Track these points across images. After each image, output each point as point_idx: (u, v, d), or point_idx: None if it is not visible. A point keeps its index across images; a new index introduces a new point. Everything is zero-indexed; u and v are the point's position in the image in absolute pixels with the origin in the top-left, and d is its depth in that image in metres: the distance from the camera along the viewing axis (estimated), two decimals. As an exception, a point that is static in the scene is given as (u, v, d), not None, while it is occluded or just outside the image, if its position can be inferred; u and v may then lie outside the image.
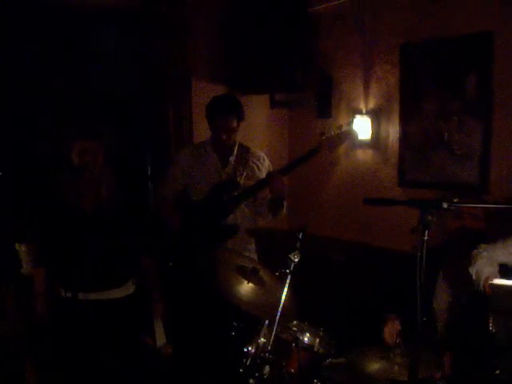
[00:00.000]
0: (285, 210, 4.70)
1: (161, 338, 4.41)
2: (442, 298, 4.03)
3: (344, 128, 4.44)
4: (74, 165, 3.98)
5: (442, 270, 4.15)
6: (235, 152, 4.71)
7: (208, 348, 4.41)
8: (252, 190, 4.61)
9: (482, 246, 3.44)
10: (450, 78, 4.90)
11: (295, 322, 3.85)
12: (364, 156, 5.53)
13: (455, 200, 2.86)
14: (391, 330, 3.95)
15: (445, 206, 2.62)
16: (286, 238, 3.46)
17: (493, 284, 2.29)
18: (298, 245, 3.38)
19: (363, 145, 5.46)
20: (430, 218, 2.61)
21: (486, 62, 4.66)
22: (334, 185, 5.81)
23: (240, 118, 4.59)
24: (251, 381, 3.37)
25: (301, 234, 3.39)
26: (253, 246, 4.81)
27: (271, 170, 4.80)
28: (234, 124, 4.56)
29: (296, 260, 3.38)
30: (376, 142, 5.43)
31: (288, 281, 3.36)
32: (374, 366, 3.58)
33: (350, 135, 4.49)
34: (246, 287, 3.85)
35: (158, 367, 4.49)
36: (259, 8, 5.40)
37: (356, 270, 5.23)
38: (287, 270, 3.37)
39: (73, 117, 4.94)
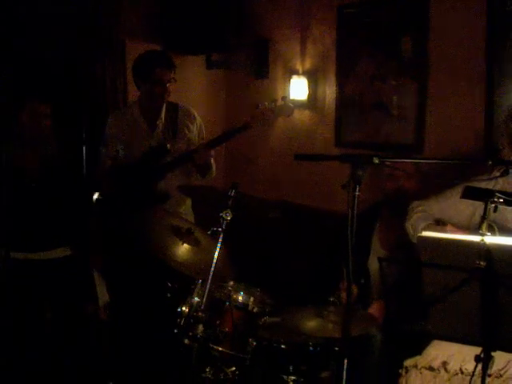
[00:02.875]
0: (214, 170, 4.64)
1: (103, 297, 4.37)
2: (374, 259, 4.07)
3: (279, 103, 4.38)
4: (23, 125, 3.94)
5: (376, 228, 4.19)
6: (163, 114, 4.62)
7: (143, 309, 4.37)
8: (181, 160, 4.54)
9: (416, 202, 3.46)
10: (386, 39, 4.89)
11: (232, 283, 3.83)
12: (301, 117, 5.50)
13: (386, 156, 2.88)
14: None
15: (376, 161, 2.60)
16: (219, 197, 3.42)
17: (421, 236, 2.28)
18: (229, 203, 3.35)
19: (300, 105, 5.43)
20: (360, 173, 2.58)
21: (422, 24, 4.65)
22: (272, 145, 5.79)
23: (175, 71, 4.51)
24: (186, 341, 3.34)
25: (232, 192, 3.35)
26: (188, 207, 4.75)
27: (202, 127, 4.74)
28: (172, 75, 4.48)
29: (228, 218, 3.35)
30: (313, 103, 5.41)
31: (220, 239, 3.33)
32: (309, 324, 3.59)
33: (284, 110, 4.43)
34: (181, 248, 3.83)
35: (97, 331, 4.47)
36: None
37: (293, 229, 5.25)
38: (219, 229, 3.34)
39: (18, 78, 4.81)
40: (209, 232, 3.53)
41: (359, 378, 3.60)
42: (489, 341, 2.33)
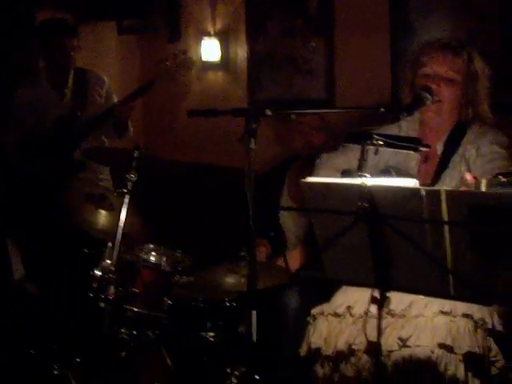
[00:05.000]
0: (131, 131, 4.64)
1: (18, 270, 4.34)
2: (282, 213, 4.14)
3: (180, 57, 4.40)
4: None
5: (286, 182, 4.24)
6: (70, 82, 4.57)
7: (63, 278, 4.36)
8: (95, 123, 4.51)
9: (324, 154, 3.50)
10: (293, -3, 4.91)
11: (151, 245, 3.85)
12: (214, 78, 5.51)
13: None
14: (259, 254, 4.01)
15: (268, 112, 2.62)
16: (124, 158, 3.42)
17: (304, 182, 2.31)
18: (134, 164, 3.35)
19: (213, 67, 5.44)
20: (254, 126, 2.60)
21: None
22: (187, 107, 5.77)
23: (75, 34, 4.45)
24: (102, 304, 3.36)
25: (136, 153, 3.36)
26: (107, 172, 4.73)
27: (112, 90, 4.71)
28: (74, 43, 4.43)
29: (133, 179, 3.35)
30: (225, 64, 5.41)
31: (127, 201, 3.33)
32: (223, 280, 3.65)
33: (186, 63, 4.45)
34: (96, 214, 3.83)
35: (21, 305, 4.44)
36: None
37: (207, 188, 5.29)
38: (125, 190, 3.34)
39: None
40: (115, 194, 3.53)
41: (273, 329, 3.69)
42: (382, 282, 2.39)
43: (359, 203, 2.18)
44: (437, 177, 3.02)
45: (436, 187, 2.93)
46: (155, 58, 5.77)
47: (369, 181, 2.20)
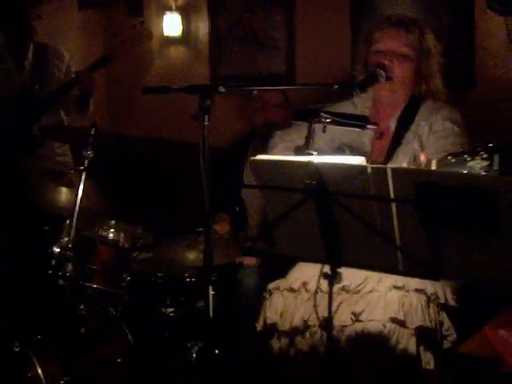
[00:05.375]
0: (91, 109, 4.60)
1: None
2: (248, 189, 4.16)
3: (138, 27, 4.38)
4: None
5: (248, 158, 4.25)
6: (30, 55, 4.52)
7: (23, 255, 4.34)
8: (56, 95, 4.47)
9: (278, 132, 3.51)
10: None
11: (113, 222, 3.86)
12: (176, 53, 5.48)
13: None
14: (220, 229, 4.03)
15: (222, 89, 2.62)
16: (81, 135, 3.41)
17: (252, 160, 2.33)
18: (90, 140, 3.34)
19: (174, 42, 5.42)
20: (208, 102, 2.60)
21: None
22: (151, 83, 5.74)
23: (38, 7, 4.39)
24: (61, 281, 3.36)
25: (93, 130, 3.34)
26: (66, 148, 4.69)
27: (71, 66, 4.66)
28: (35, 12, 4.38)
29: (90, 156, 3.35)
30: (187, 39, 5.39)
31: (83, 177, 3.33)
32: (183, 256, 3.67)
33: (144, 35, 4.44)
34: (56, 190, 3.81)
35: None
36: None
37: (169, 164, 5.30)
38: (81, 167, 3.34)
39: None
40: (71, 171, 3.53)
41: (232, 304, 3.73)
42: (332, 258, 2.41)
43: (307, 181, 2.20)
44: (390, 154, 3.05)
45: (389, 164, 2.96)
46: (118, 32, 5.77)
47: (316, 158, 2.22)
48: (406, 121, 3.11)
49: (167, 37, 5.39)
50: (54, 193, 3.82)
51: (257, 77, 4.94)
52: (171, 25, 5.34)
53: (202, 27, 5.29)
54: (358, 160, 2.26)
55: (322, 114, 2.45)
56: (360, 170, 2.17)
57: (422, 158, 2.54)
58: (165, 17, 5.37)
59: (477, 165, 2.22)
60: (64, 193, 3.82)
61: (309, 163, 2.18)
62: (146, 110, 5.76)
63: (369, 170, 2.15)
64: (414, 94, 3.17)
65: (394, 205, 2.19)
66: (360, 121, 2.71)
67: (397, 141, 3.08)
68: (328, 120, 2.46)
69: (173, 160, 5.32)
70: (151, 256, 3.72)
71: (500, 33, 3.86)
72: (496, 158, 2.20)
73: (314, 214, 2.30)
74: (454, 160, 2.29)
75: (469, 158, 2.24)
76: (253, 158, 2.31)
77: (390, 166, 2.25)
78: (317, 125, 2.43)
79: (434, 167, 2.36)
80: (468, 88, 3.99)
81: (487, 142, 2.25)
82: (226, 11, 5.09)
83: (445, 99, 3.17)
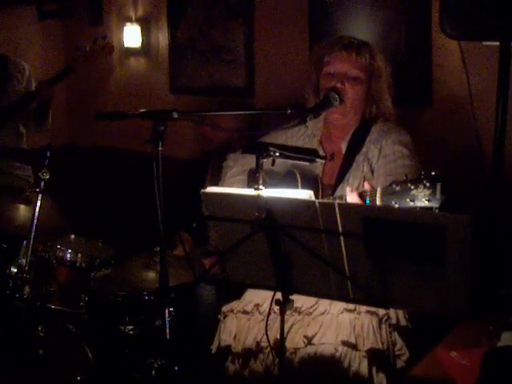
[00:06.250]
0: (50, 121, 4.60)
1: None
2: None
3: (99, 42, 4.38)
4: None
5: (208, 175, 4.28)
6: None
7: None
8: (16, 107, 4.46)
9: (231, 156, 3.53)
10: (213, -17, 4.92)
11: (72, 237, 3.86)
12: (136, 64, 5.49)
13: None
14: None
15: (175, 115, 2.63)
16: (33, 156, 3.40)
17: (204, 192, 2.36)
18: (46, 162, 3.34)
19: (134, 53, 5.42)
20: (162, 128, 2.61)
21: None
22: (112, 94, 5.75)
23: None
24: (18, 303, 3.37)
25: (48, 152, 3.34)
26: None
27: (32, 79, 4.65)
28: None
29: (46, 177, 3.34)
30: (147, 50, 5.39)
31: (39, 200, 3.32)
32: (141, 274, 3.69)
33: (105, 49, 4.43)
34: (14, 208, 3.80)
35: None
36: None
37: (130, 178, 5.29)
38: (37, 189, 3.33)
39: None
40: (27, 193, 3.53)
41: (188, 324, 3.74)
42: (283, 285, 2.44)
43: (256, 213, 2.22)
44: (340, 176, 3.07)
45: (338, 189, 3.01)
46: (77, 42, 5.74)
47: (265, 192, 2.25)
48: (356, 143, 3.14)
49: (127, 48, 5.38)
50: (11, 210, 3.81)
51: (216, 90, 4.94)
52: (131, 36, 5.35)
53: (162, 39, 5.29)
54: (307, 194, 2.29)
55: (270, 148, 2.47)
56: (308, 204, 2.20)
57: (367, 186, 2.60)
58: (125, 28, 5.37)
59: (419, 193, 2.28)
60: (22, 210, 3.81)
61: (258, 197, 2.21)
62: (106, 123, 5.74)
63: (316, 205, 2.18)
64: (365, 116, 3.19)
65: (342, 237, 2.23)
66: (309, 155, 2.72)
67: (347, 163, 3.10)
68: (277, 154, 2.48)
69: (134, 172, 5.31)
70: (110, 273, 3.72)
71: (456, 50, 3.90)
72: (438, 186, 2.26)
73: (264, 244, 2.34)
74: (398, 188, 2.34)
75: (412, 187, 2.29)
76: (203, 190, 2.34)
77: (338, 201, 2.29)
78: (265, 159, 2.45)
79: (378, 195, 2.41)
80: (424, 105, 4.03)
81: (430, 171, 2.30)
82: (186, 23, 5.10)
83: (394, 119, 3.20)
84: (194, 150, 4.82)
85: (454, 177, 2.99)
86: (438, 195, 2.25)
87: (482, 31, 2.84)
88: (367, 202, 2.54)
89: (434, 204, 2.25)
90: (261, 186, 2.27)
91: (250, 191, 2.28)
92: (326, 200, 2.33)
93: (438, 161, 3.51)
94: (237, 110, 4.42)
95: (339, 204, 2.15)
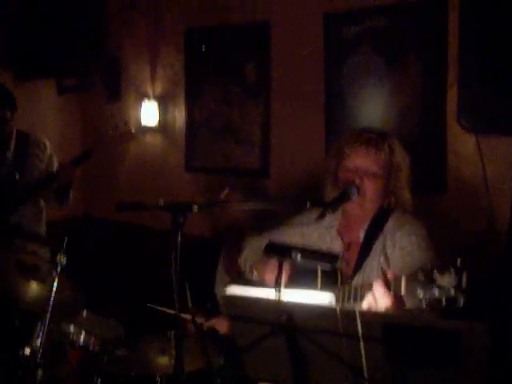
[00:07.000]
0: (71, 197, 4.64)
1: None
2: (221, 286, 4.16)
3: (121, 128, 4.44)
4: None
5: (222, 254, 4.29)
6: (12, 145, 4.56)
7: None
8: (38, 186, 4.51)
9: (250, 238, 3.54)
10: (231, 64, 5.01)
11: (85, 315, 3.85)
12: (152, 141, 5.55)
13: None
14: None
15: (195, 209, 2.66)
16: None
17: (225, 296, 2.38)
18: (64, 247, 3.35)
19: (151, 130, 5.48)
20: (181, 219, 2.64)
21: (264, 50, 4.81)
22: (127, 170, 5.80)
23: (13, 107, 4.44)
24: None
25: (65, 239, 3.35)
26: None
27: (53, 157, 4.70)
28: (8, 115, 4.41)
29: (63, 263, 3.35)
30: (163, 127, 5.46)
31: (55, 285, 3.33)
32: (155, 357, 3.66)
33: (126, 135, 4.49)
34: (28, 284, 3.80)
35: None
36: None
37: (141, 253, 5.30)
38: (54, 274, 3.34)
39: None
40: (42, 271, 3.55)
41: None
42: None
43: (276, 316, 2.23)
44: (358, 265, 3.06)
45: (355, 278, 3.01)
46: (95, 118, 5.84)
47: (285, 295, 2.27)
48: (374, 232, 3.13)
49: (144, 126, 5.45)
50: (23, 286, 3.81)
51: (231, 170, 5.00)
52: (148, 112, 5.42)
53: (179, 117, 5.37)
54: (327, 298, 2.30)
55: (292, 251, 2.49)
56: (329, 311, 2.21)
57: (390, 274, 2.59)
58: (143, 104, 5.44)
59: (445, 282, 2.27)
60: (35, 287, 3.81)
61: (278, 302, 2.22)
62: (122, 196, 5.80)
63: (337, 312, 2.19)
64: (383, 206, 3.21)
65: (361, 341, 2.23)
66: (329, 261, 2.72)
67: (365, 253, 3.09)
68: (298, 258, 2.50)
69: (150, 248, 5.34)
70: (124, 355, 3.70)
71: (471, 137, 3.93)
72: (464, 276, 2.26)
73: (283, 344, 2.34)
74: (423, 277, 2.33)
75: (437, 275, 2.28)
76: (223, 294, 2.36)
77: (358, 309, 2.29)
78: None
79: (403, 284, 2.41)
80: (439, 191, 4.05)
81: (455, 259, 2.29)
82: (203, 102, 5.18)
83: (411, 210, 3.21)
84: (204, 226, 4.83)
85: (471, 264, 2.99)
86: (463, 284, 2.25)
87: (499, 126, 2.87)
88: (392, 289, 2.53)
89: (460, 294, 2.25)
90: (281, 291, 2.28)
91: (271, 293, 2.29)
92: (346, 308, 2.30)
93: (452, 248, 3.50)
94: (252, 194, 4.44)
95: (360, 312, 2.15)
